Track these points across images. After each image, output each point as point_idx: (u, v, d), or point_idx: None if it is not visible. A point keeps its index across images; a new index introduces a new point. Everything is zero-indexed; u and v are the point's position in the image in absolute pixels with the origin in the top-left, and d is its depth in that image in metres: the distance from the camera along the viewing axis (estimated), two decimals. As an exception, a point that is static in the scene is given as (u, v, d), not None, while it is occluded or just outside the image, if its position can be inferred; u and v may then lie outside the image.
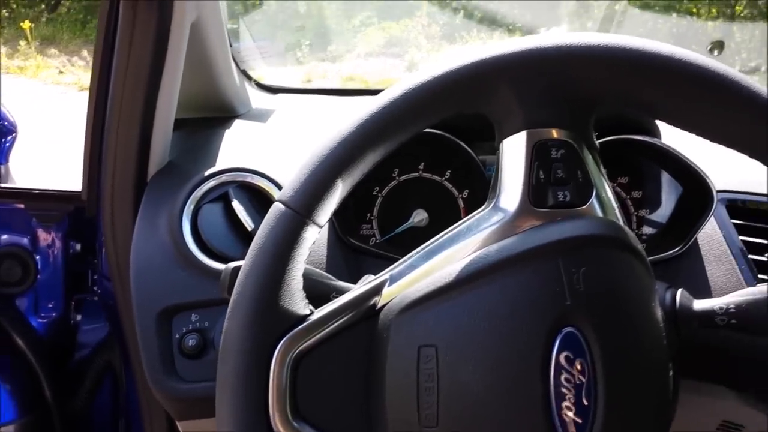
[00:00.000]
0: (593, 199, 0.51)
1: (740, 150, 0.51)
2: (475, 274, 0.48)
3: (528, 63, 0.49)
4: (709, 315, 0.64)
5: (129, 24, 0.73)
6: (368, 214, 0.86)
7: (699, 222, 0.80)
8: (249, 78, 1.28)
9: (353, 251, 0.82)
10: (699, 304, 0.65)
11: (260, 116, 1.10)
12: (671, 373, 0.67)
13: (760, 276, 0.80)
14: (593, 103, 0.51)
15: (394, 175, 0.87)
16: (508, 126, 0.51)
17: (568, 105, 0.50)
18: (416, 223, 0.86)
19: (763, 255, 0.81)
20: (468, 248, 0.50)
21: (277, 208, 0.48)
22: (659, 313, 0.52)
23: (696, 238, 0.83)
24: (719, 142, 0.51)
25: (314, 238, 0.50)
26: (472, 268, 0.48)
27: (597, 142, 0.82)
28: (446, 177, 0.87)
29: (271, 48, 1.24)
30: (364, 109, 0.49)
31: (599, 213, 0.52)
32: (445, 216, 0.86)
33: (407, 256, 0.52)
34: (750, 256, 0.81)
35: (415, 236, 0.86)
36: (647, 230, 0.88)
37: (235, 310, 0.48)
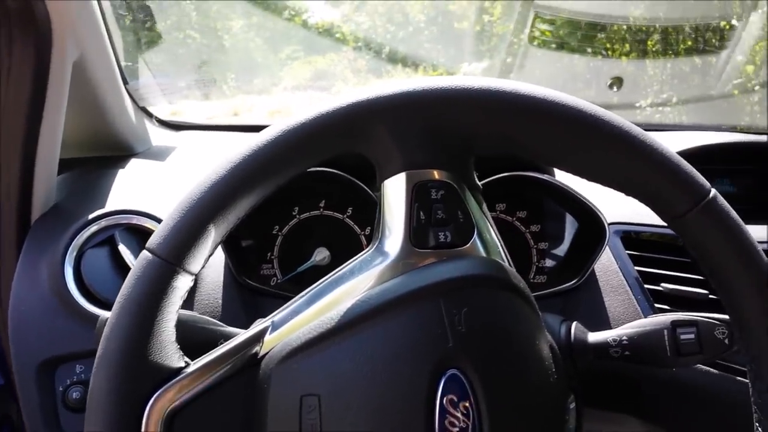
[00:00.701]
0: (475, 239, 0.51)
1: (615, 188, 0.53)
2: (357, 318, 0.46)
3: (404, 106, 0.48)
4: (603, 347, 0.65)
5: (5, 62, 0.70)
6: (269, 254, 0.84)
7: (593, 254, 0.82)
8: (150, 115, 1.24)
9: (252, 293, 0.80)
10: (593, 337, 0.66)
11: (159, 154, 1.07)
12: (573, 405, 0.68)
13: (656, 305, 0.82)
14: (471, 145, 0.51)
15: (294, 213, 0.85)
16: (387, 167, 0.51)
17: (446, 147, 0.50)
18: (318, 262, 0.84)
19: (658, 285, 0.83)
20: (351, 292, 0.49)
21: (144, 256, 0.46)
22: (545, 349, 0.52)
23: (593, 270, 0.84)
24: (595, 180, 0.52)
25: (187, 286, 0.47)
26: (353, 312, 0.47)
27: (493, 178, 0.84)
28: (348, 214, 0.86)
29: (172, 84, 1.20)
30: (236, 151, 0.48)
31: (481, 252, 0.51)
32: (347, 254, 0.84)
33: (291, 300, 0.51)
34: (646, 286, 0.83)
35: (317, 275, 0.83)
36: (548, 263, 0.89)
37: (100, 364, 0.45)
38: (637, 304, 0.82)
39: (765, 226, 0.90)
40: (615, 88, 1.47)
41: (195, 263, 0.47)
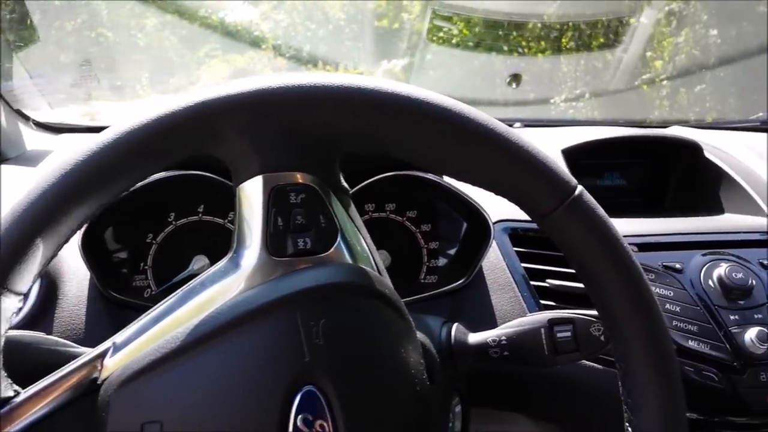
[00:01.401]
0: (339, 245, 0.49)
1: (484, 187, 0.51)
2: (205, 336, 0.43)
3: (258, 105, 0.45)
4: (483, 348, 0.64)
5: None
6: (142, 264, 0.79)
7: (479, 253, 0.81)
8: (26, 118, 1.16)
9: (121, 307, 0.74)
10: (473, 338, 0.65)
11: (32, 159, 0.99)
12: (458, 407, 0.66)
13: (541, 302, 0.82)
14: (334, 145, 0.48)
15: (170, 219, 0.80)
16: (243, 170, 0.47)
17: (307, 148, 0.47)
18: (196, 270, 0.80)
19: (543, 281, 0.83)
20: (201, 307, 0.45)
21: None
22: (414, 356, 0.50)
23: (481, 268, 0.84)
24: (464, 180, 0.51)
25: (13, 307, 0.42)
26: (201, 329, 0.43)
27: (376, 178, 0.82)
28: (229, 219, 0.82)
29: (49, 85, 1.13)
30: (69, 155, 0.43)
31: (346, 259, 0.49)
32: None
33: (137, 319, 0.47)
34: (531, 283, 0.83)
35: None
36: (440, 262, 0.88)
37: None
38: (523, 301, 0.82)
39: (661, 219, 0.92)
40: (514, 85, 1.49)
41: (21, 282, 0.42)
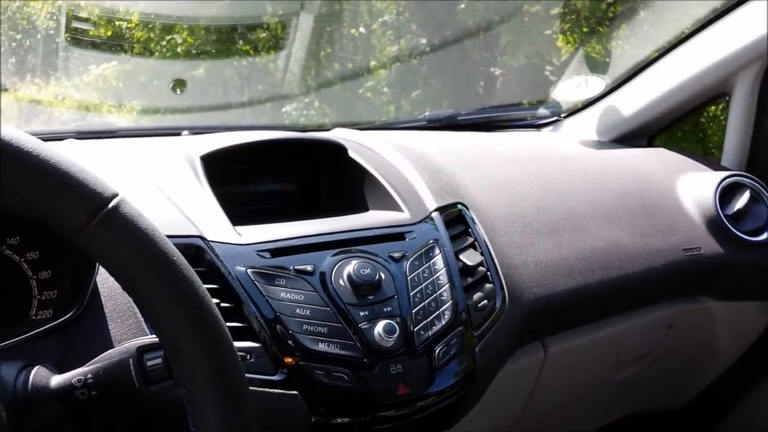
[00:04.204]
0: None
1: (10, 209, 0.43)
2: None
3: None
4: (68, 391, 0.55)
5: None
6: None
7: (87, 278, 0.72)
8: None
9: None
10: (57, 381, 0.56)
11: None
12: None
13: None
14: None
15: None
16: None
17: None
18: None
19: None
20: None
21: None
22: None
23: (98, 294, 0.74)
24: None
25: None
26: None
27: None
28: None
29: None
30: None
31: None
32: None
33: None
34: None
35: None
36: (53, 294, 0.77)
37: None
38: (146, 327, 0.74)
39: (301, 222, 0.90)
40: (179, 91, 1.41)
41: None
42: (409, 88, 4.70)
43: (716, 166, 1.40)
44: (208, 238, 0.78)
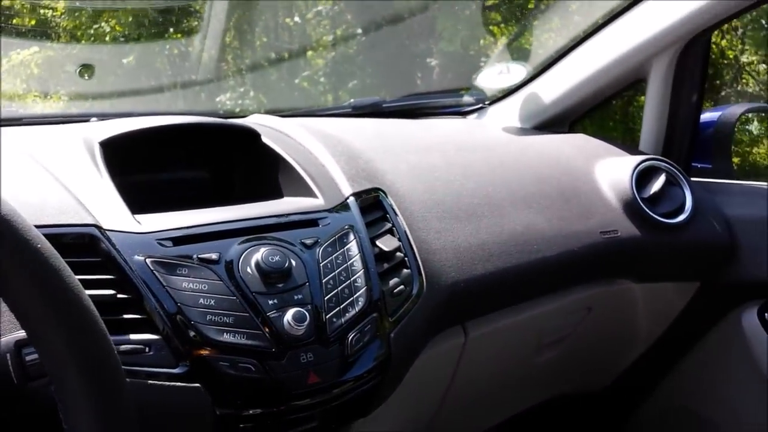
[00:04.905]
0: None
1: None
2: None
3: None
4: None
5: None
6: None
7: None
8: None
9: None
10: None
11: None
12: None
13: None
14: None
15: None
16: None
17: None
18: None
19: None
20: None
21: None
22: None
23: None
24: None
25: None
26: None
27: None
28: None
29: None
30: None
31: None
32: None
33: None
34: None
35: None
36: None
37: None
38: None
39: (208, 210, 0.87)
40: (87, 77, 1.34)
41: None
42: (346, 77, 4.67)
43: (633, 150, 1.43)
44: (104, 227, 0.74)
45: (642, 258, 1.25)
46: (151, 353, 0.70)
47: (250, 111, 1.28)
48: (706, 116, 1.57)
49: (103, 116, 1.22)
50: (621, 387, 1.50)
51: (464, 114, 1.67)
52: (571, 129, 1.57)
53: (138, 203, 0.82)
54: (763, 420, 1.30)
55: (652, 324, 1.42)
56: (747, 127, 1.90)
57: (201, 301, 0.73)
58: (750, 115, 1.86)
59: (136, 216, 0.79)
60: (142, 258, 0.74)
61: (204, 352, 0.71)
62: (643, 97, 1.54)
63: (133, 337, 0.70)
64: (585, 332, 1.30)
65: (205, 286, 0.74)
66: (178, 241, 0.77)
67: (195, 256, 0.76)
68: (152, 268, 0.73)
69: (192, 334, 0.71)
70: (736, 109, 1.66)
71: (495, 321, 1.09)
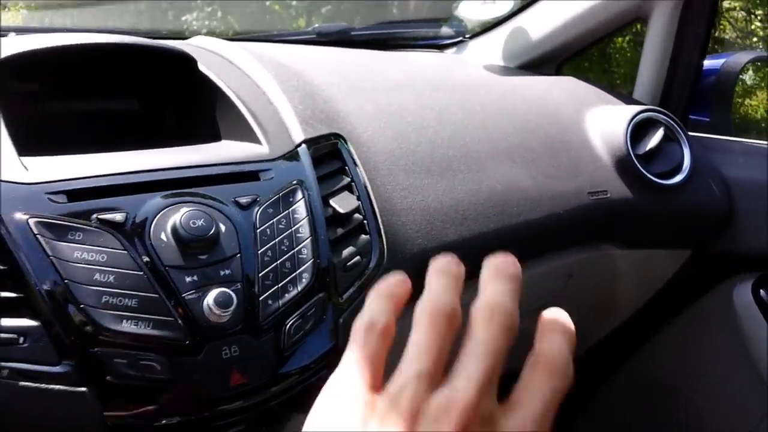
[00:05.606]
0: None
1: None
2: None
3: None
4: None
5: None
6: None
7: None
8: None
9: None
10: None
11: None
12: None
13: None
14: None
15: None
16: None
17: None
18: None
19: None
20: None
21: None
22: None
23: None
24: None
25: None
26: None
27: None
28: None
29: None
30: None
31: None
32: None
33: None
34: None
35: None
36: None
37: None
38: None
39: (127, 153, 0.70)
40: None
41: None
42: (320, 1, 4.41)
43: (628, 99, 1.28)
44: (-29, 173, 0.57)
45: (632, 222, 1.11)
46: (25, 345, 0.54)
47: (213, 35, 1.08)
48: (707, 63, 1.41)
49: (23, 30, 1.01)
50: (595, 357, 1.39)
51: (441, 47, 1.48)
52: (559, 71, 1.40)
53: (39, 141, 0.65)
54: (745, 403, 1.21)
55: (635, 293, 1.30)
56: (751, 78, 1.75)
57: (96, 276, 0.57)
58: (759, 64, 1.70)
59: (25, 159, 0.62)
60: (25, 217, 0.57)
61: (95, 346, 0.55)
62: (620, 38, 1.36)
63: (4, 323, 0.54)
64: (564, 300, 1.17)
65: (103, 257, 0.58)
66: (74, 195, 0.60)
67: (94, 217, 0.59)
68: (36, 232, 0.57)
69: (80, 320, 0.55)
70: (741, 57, 1.49)
71: (468, 292, 0.95)
